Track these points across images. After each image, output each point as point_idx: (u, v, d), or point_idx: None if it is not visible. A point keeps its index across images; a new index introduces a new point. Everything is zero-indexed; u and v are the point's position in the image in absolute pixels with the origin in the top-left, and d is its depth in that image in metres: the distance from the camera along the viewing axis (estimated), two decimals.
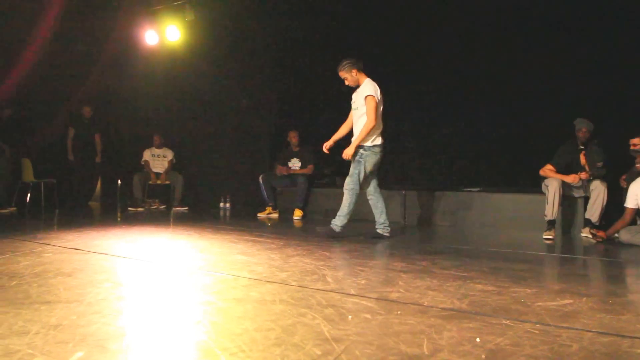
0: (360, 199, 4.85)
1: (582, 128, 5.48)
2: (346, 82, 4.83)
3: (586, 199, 5.48)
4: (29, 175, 8.02)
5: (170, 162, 8.81)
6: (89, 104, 8.87)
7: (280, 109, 9.09)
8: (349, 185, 4.73)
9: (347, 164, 4.84)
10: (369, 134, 4.66)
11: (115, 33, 8.90)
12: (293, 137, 7.63)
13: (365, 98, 4.65)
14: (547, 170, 5.46)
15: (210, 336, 1.88)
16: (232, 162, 9.49)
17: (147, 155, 8.75)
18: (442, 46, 7.42)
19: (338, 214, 4.81)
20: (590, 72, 6.20)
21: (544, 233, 5.24)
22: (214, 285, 2.75)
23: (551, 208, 5.27)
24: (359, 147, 4.71)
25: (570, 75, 6.36)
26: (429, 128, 7.79)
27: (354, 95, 4.87)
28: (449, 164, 7.75)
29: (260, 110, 9.24)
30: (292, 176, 7.47)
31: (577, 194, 5.59)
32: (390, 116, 8.00)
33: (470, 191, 6.55)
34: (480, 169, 7.43)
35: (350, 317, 2.14)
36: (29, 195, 7.87)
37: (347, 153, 4.70)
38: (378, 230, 4.95)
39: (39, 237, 4.58)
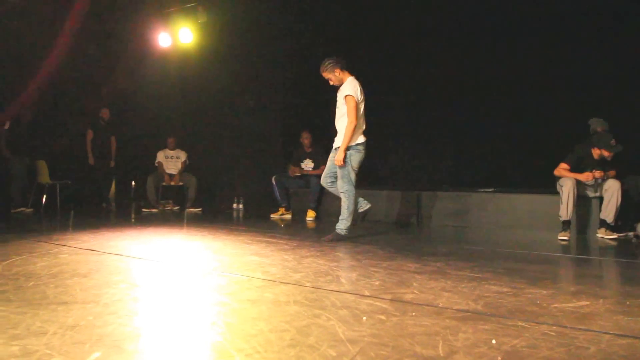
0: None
1: (597, 128, 5.43)
2: (330, 82, 4.83)
3: (601, 200, 5.42)
4: (44, 176, 8.12)
5: (184, 163, 8.86)
6: (107, 106, 8.96)
7: (293, 110, 9.11)
8: (343, 187, 4.73)
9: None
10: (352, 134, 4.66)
11: (129, 36, 8.99)
12: (306, 138, 7.63)
13: (344, 98, 4.64)
14: (561, 169, 5.40)
15: (225, 337, 1.89)
16: (245, 163, 9.54)
17: (160, 156, 8.80)
18: (456, 43, 7.39)
19: (340, 218, 4.81)
20: (608, 69, 6.13)
21: (559, 234, 5.20)
22: (228, 286, 2.76)
23: (565, 208, 5.22)
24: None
25: (586, 73, 6.30)
26: (443, 128, 7.75)
27: (338, 94, 4.86)
28: (463, 165, 7.71)
29: (273, 111, 9.26)
30: (305, 177, 7.48)
31: (591, 194, 5.53)
32: (403, 116, 8.06)
33: (484, 192, 6.51)
34: (495, 169, 7.37)
35: (364, 318, 2.14)
36: (44, 196, 7.96)
37: (338, 159, 4.66)
38: (360, 210, 4.99)
39: (55, 238, 4.62)
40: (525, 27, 6.81)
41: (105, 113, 8.94)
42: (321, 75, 4.84)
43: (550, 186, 5.66)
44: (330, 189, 4.99)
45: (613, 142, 5.25)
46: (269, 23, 8.57)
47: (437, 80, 7.60)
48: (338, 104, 4.81)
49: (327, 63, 4.75)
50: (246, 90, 9.24)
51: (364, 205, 4.97)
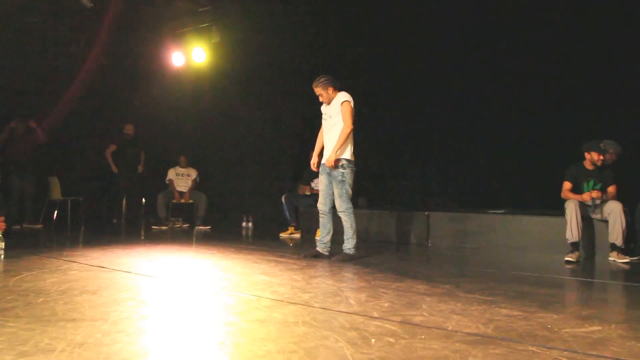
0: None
1: (609, 149, 5.40)
2: (320, 99, 4.85)
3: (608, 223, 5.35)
4: (56, 192, 8.18)
5: (194, 181, 8.89)
6: (131, 121, 9.08)
7: (303, 129, 9.14)
8: (342, 206, 4.71)
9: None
10: (346, 141, 4.66)
11: (143, 55, 9.13)
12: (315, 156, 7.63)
13: (341, 104, 4.66)
14: (565, 191, 5.41)
15: (233, 358, 1.88)
16: (255, 182, 9.56)
17: (171, 174, 8.85)
18: (464, 62, 7.39)
19: (345, 237, 4.80)
20: (628, 85, 6.10)
21: (567, 256, 5.13)
22: (237, 305, 2.75)
23: (570, 230, 5.17)
24: (340, 164, 4.68)
25: (604, 90, 6.27)
26: (453, 148, 7.73)
27: (326, 107, 4.87)
28: (474, 185, 7.67)
29: (284, 130, 9.30)
30: (314, 196, 7.45)
31: (595, 216, 5.46)
32: (412, 137, 8.07)
33: (495, 213, 6.47)
34: (506, 190, 7.33)
35: (373, 340, 2.12)
36: (55, 212, 8.01)
37: (330, 160, 4.66)
38: (318, 249, 4.93)
39: (65, 254, 4.65)
40: (540, 43, 6.80)
41: (129, 129, 9.05)
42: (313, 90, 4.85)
43: (562, 207, 5.61)
44: (323, 217, 4.89)
45: (602, 145, 5.23)
46: (283, 42, 8.64)
47: (446, 99, 7.61)
48: (328, 114, 4.82)
49: (322, 79, 4.78)
50: (258, 110, 9.29)
51: (325, 252, 4.91)
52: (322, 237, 4.94)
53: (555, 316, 2.65)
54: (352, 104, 4.68)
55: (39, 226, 7.82)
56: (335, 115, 4.73)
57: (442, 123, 7.71)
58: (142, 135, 9.25)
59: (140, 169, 9.15)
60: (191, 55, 8.82)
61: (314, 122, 5.15)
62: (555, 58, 6.73)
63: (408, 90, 8.00)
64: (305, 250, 5.10)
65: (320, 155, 5.00)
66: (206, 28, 8.58)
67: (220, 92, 9.35)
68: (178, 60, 8.96)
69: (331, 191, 4.82)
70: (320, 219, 4.95)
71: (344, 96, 4.71)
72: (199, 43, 8.74)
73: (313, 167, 5.02)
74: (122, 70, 9.17)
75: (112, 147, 8.96)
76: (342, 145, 4.65)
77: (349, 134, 4.65)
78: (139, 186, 9.21)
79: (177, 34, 9.00)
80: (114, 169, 8.91)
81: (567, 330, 2.37)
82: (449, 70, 7.55)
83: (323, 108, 4.93)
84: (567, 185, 5.44)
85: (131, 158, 9.04)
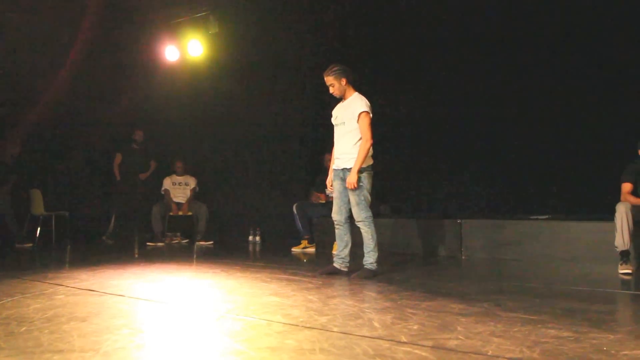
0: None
1: None
2: (331, 90, 4.85)
3: None
4: (39, 207, 8.25)
5: (193, 190, 8.93)
6: (140, 127, 9.16)
7: (315, 129, 9.15)
8: (361, 215, 4.70)
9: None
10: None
11: (133, 50, 9.19)
12: (329, 161, 7.60)
13: (359, 115, 4.66)
14: (626, 194, 5.30)
15: None
16: (262, 190, 9.57)
17: (167, 183, 8.89)
18: (502, 62, 7.40)
19: (365, 251, 4.78)
20: None
21: (620, 266, 5.07)
22: (244, 331, 2.75)
23: (620, 237, 5.10)
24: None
25: None
26: (488, 146, 7.69)
27: (339, 110, 4.89)
28: (513, 188, 7.61)
29: (293, 131, 9.31)
30: (330, 204, 7.44)
31: None
32: (439, 134, 8.05)
33: (537, 219, 6.42)
34: (550, 193, 7.27)
35: None
36: (39, 229, 8.08)
37: (351, 182, 4.63)
38: (335, 265, 4.92)
39: (50, 276, 4.68)
40: (582, 37, 6.79)
41: (138, 135, 9.11)
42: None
43: (614, 212, 5.54)
44: (339, 228, 4.91)
45: None
46: (287, 33, 8.66)
47: (482, 93, 7.60)
48: (340, 119, 4.83)
49: (334, 68, 4.78)
50: (262, 108, 9.30)
51: (344, 268, 4.90)
52: (339, 251, 4.94)
53: (611, 337, 2.62)
54: (370, 114, 4.68)
55: (29, 245, 7.88)
56: (350, 122, 4.73)
57: (473, 118, 7.68)
58: (133, 139, 9.27)
59: (142, 176, 9.14)
60: (186, 48, 8.87)
61: (327, 121, 5.14)
62: (596, 54, 6.72)
63: (432, 82, 8.00)
64: (320, 267, 5.09)
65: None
66: (203, 17, 8.61)
67: (219, 89, 9.38)
68: (172, 55, 9.01)
69: (347, 198, 4.82)
70: (336, 231, 4.95)
71: (361, 105, 4.70)
72: (195, 35, 8.78)
73: (328, 186, 5.10)
74: (109, 66, 9.22)
75: (119, 158, 9.02)
76: (362, 162, 4.64)
77: (369, 149, 4.66)
78: (138, 198, 9.20)
79: (171, 24, 9.05)
80: (117, 177, 8.96)
81: (626, 352, 2.34)
82: (487, 67, 7.55)
83: (335, 111, 4.94)
84: (627, 187, 5.32)
85: (137, 168, 9.09)
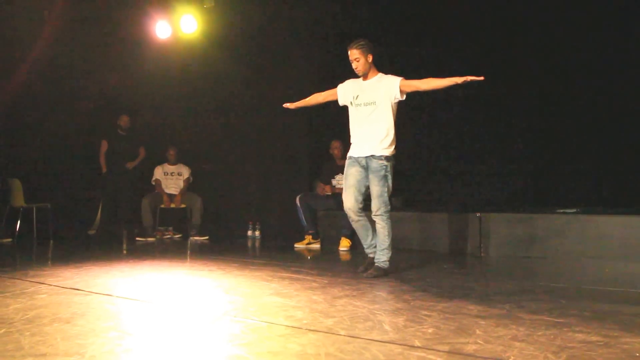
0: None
1: None
2: (354, 65, 4.79)
3: None
4: (18, 199, 8.25)
5: (187, 181, 8.94)
6: (127, 112, 9.13)
7: (320, 114, 9.14)
8: (382, 208, 4.69)
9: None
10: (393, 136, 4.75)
11: (119, 26, 9.16)
12: (336, 148, 7.60)
13: (399, 85, 4.66)
14: None
15: None
16: (262, 181, 9.56)
17: (158, 173, 8.89)
18: (535, 53, 7.39)
19: (379, 248, 4.77)
20: None
21: None
22: (244, 335, 2.76)
23: None
24: (381, 159, 4.69)
25: None
26: (511, 137, 7.68)
27: (362, 89, 4.85)
28: (538, 179, 7.60)
29: (296, 115, 9.29)
30: (336, 196, 7.43)
31: None
32: (457, 122, 8.03)
33: (565, 213, 6.41)
34: (579, 185, 7.25)
35: None
36: (18, 222, 8.09)
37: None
38: (371, 256, 4.89)
39: (32, 274, 4.70)
40: (616, 32, 6.79)
41: (124, 121, 9.06)
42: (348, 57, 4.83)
43: None
44: (360, 220, 4.88)
45: None
46: (290, 7, 8.62)
47: (506, 88, 7.58)
48: (370, 98, 4.78)
49: (362, 42, 4.75)
50: (263, 91, 9.27)
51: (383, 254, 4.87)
52: (370, 240, 4.90)
53: None
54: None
55: (8, 240, 7.89)
56: (383, 102, 4.72)
57: (495, 104, 7.66)
58: (120, 124, 9.25)
59: (129, 165, 9.07)
60: (179, 24, 8.84)
61: (334, 104, 5.11)
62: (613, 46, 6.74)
63: (453, 70, 7.99)
64: (354, 266, 5.08)
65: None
66: None
67: (215, 69, 9.33)
68: (163, 31, 8.98)
69: (364, 188, 4.80)
70: (354, 225, 4.92)
71: (394, 78, 4.73)
72: (188, 9, 8.75)
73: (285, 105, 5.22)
74: (94, 45, 9.19)
75: (105, 145, 8.99)
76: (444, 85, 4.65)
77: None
78: (126, 188, 9.14)
79: None
80: (104, 167, 8.95)
81: None
82: (517, 58, 7.56)
83: (354, 89, 4.90)
84: None
85: (124, 156, 9.07)
